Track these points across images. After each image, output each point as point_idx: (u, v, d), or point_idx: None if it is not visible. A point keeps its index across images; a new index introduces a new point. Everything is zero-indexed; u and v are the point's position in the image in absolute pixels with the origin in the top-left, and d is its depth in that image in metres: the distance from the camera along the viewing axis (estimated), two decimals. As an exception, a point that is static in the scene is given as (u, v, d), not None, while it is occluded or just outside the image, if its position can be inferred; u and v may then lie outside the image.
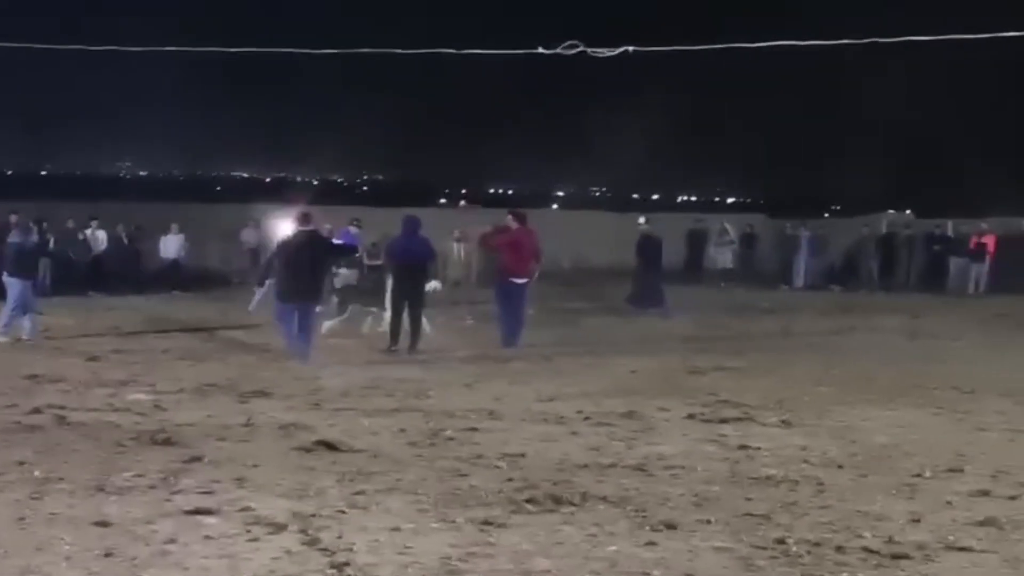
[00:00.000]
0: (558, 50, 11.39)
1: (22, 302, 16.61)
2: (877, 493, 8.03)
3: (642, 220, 24.01)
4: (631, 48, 11.53)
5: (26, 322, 16.70)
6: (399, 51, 13.79)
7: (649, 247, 22.37)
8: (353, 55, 13.89)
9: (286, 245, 15.44)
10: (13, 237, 17.44)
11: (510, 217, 17.26)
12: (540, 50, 11.66)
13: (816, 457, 9.22)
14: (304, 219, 15.50)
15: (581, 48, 11.34)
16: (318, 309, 15.82)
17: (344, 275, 18.38)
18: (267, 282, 18.96)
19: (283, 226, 19.76)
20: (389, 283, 16.61)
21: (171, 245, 26.09)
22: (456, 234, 23.26)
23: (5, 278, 16.88)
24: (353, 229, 19.87)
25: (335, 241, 18.11)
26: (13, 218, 23.68)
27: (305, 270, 14.98)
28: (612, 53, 11.48)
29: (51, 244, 21.85)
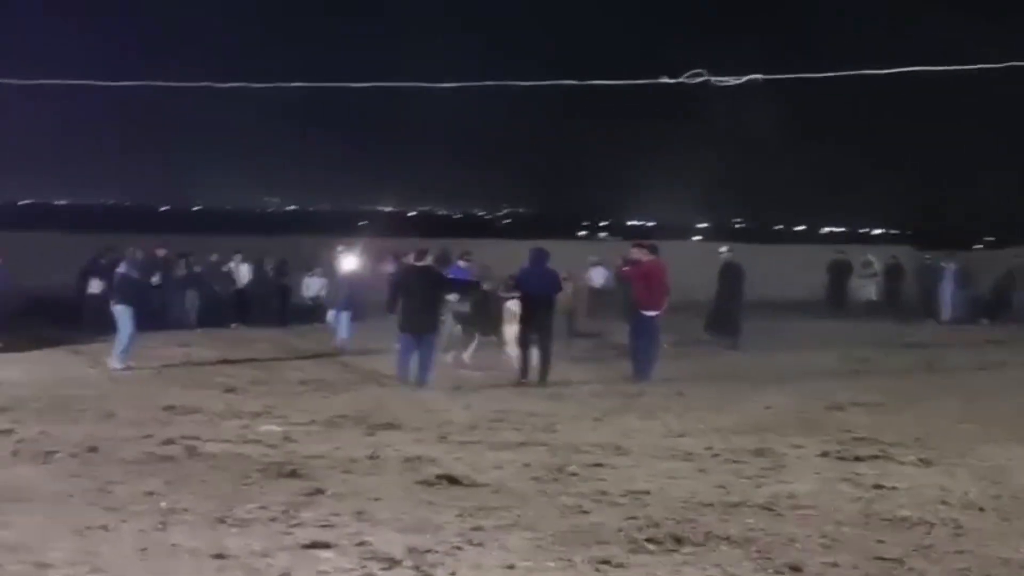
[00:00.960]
0: (682, 79, 11.19)
1: (132, 328, 17.24)
2: (1021, 539, 7.64)
3: (723, 249, 23.71)
4: (759, 76, 11.27)
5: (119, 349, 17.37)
6: (524, 83, 13.77)
7: (730, 275, 22.08)
8: (482, 88, 13.90)
9: (404, 279, 16.26)
10: (121, 268, 17.98)
11: (637, 249, 17.08)
12: (664, 79, 11.49)
13: (956, 498, 8.83)
14: (420, 255, 16.35)
15: (706, 77, 11.12)
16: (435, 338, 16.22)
17: (456, 305, 18.44)
18: (331, 313, 20.41)
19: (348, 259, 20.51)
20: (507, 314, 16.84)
21: (314, 286, 26.42)
22: (564, 273, 23.22)
23: (113, 307, 17.46)
24: (462, 263, 19.85)
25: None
26: (162, 251, 24.45)
27: (421, 302, 15.58)
28: (738, 81, 11.23)
29: (156, 278, 22.33)
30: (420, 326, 15.49)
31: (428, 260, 16.31)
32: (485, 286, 18.11)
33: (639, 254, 16.92)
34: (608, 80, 13.09)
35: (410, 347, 15.55)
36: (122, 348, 17.21)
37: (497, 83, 14.12)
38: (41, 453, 10.16)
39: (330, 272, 22.14)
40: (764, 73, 11.27)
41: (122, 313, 17.28)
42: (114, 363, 17.03)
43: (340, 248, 21.62)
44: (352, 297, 20.57)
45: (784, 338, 22.37)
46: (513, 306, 17.26)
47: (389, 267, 21.67)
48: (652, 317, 16.38)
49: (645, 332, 16.44)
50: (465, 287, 17.85)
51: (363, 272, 21.25)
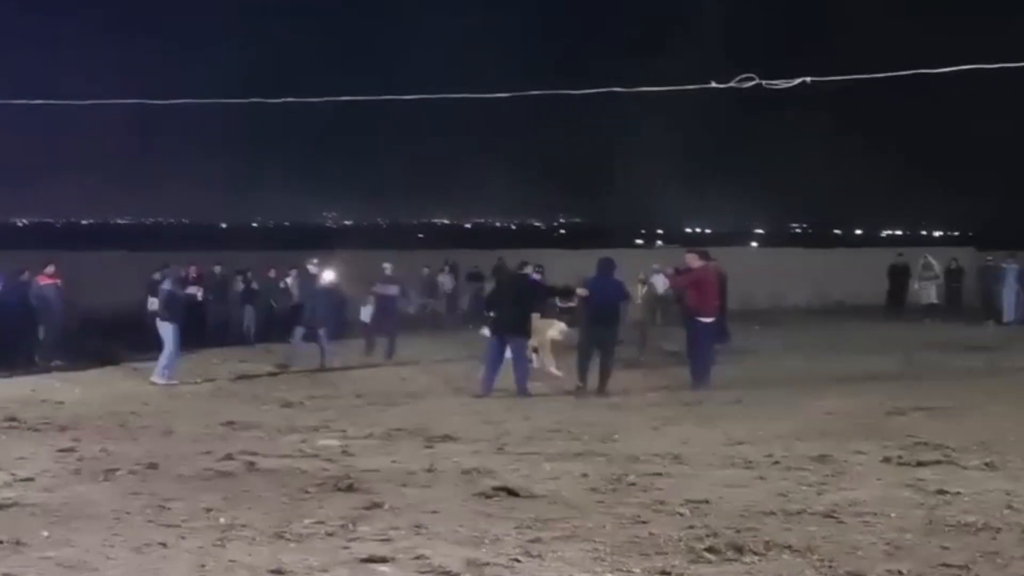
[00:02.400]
0: (732, 84, 11.05)
1: (175, 345, 17.48)
2: (1089, 543, 7.44)
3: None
4: (808, 79, 11.10)
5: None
6: (572, 92, 13.69)
7: None
8: (535, 98, 13.86)
9: (500, 285, 17.55)
10: (166, 285, 18.16)
11: (691, 256, 17.00)
12: (713, 84, 11.35)
13: (1022, 503, 8.62)
14: (521, 266, 17.91)
15: (756, 81, 10.97)
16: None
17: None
18: (297, 330, 19.86)
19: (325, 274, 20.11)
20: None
21: (367, 314, 26.48)
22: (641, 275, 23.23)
23: (159, 323, 17.60)
24: (536, 276, 19.95)
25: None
26: (217, 269, 24.64)
27: (512, 306, 16.11)
28: (789, 85, 11.06)
29: (199, 294, 22.29)
30: (508, 327, 15.91)
31: (528, 270, 16.70)
32: (581, 292, 18.09)
33: (691, 260, 16.86)
34: (657, 87, 12.97)
35: (497, 353, 15.85)
36: (165, 364, 17.32)
37: (547, 92, 14.08)
38: (102, 471, 10.21)
39: (306, 289, 21.12)
40: (815, 75, 11.10)
41: (166, 330, 17.41)
42: (157, 379, 17.14)
43: (314, 262, 20.87)
44: (327, 315, 20.13)
45: (844, 342, 22.18)
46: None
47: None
48: (707, 323, 16.28)
49: (700, 338, 16.33)
50: (550, 295, 18.33)
51: (339, 288, 21.14)
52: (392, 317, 21.68)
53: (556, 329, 17.96)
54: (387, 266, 22.14)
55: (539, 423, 13.12)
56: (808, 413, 13.59)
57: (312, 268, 20.58)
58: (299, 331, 19.85)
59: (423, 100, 16.02)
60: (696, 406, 14.38)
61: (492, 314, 16.80)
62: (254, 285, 24.88)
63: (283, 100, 16.23)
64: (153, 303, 21.72)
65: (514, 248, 36.04)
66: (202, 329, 22.54)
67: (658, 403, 14.77)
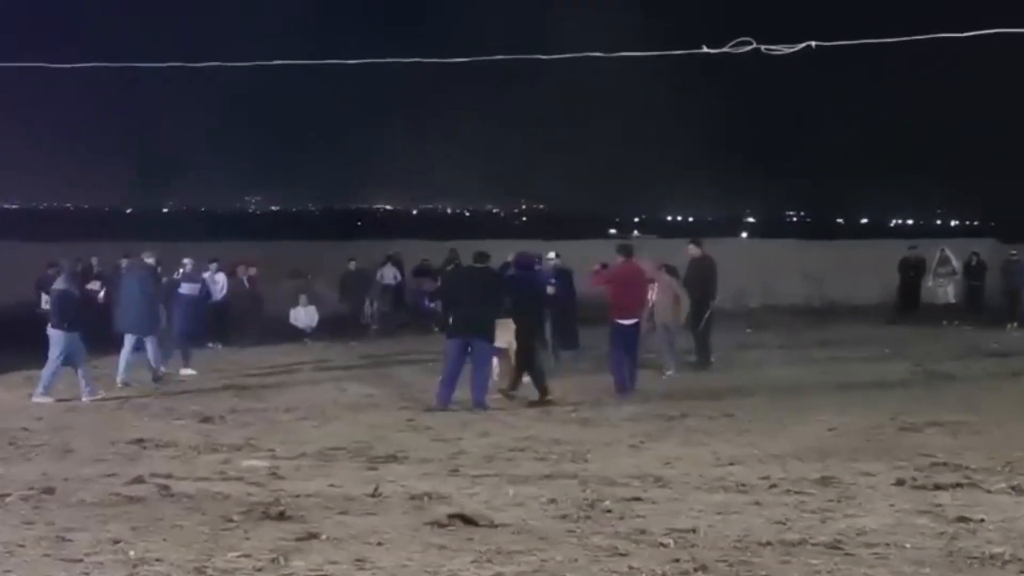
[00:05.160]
0: (726, 49, 11.05)
1: (67, 356, 16.95)
2: None
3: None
4: (813, 43, 11.12)
5: (81, 380, 17.05)
6: (543, 56, 13.70)
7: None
8: (497, 63, 13.88)
9: (456, 281, 17.40)
10: (59, 284, 17.54)
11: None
12: (705, 49, 11.36)
13: (1053, 531, 8.75)
14: (479, 257, 16.78)
15: (754, 46, 10.98)
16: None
17: None
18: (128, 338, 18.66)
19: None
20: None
21: (301, 317, 26.52)
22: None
23: (49, 330, 17.09)
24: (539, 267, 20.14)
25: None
26: (124, 262, 24.45)
27: (475, 304, 15.96)
28: (792, 50, 11.09)
29: (102, 294, 21.77)
30: (472, 329, 15.77)
31: (488, 263, 16.81)
32: (550, 291, 18.01)
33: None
34: (640, 52, 13.01)
35: (458, 358, 15.78)
36: (48, 378, 16.88)
37: (512, 56, 14.10)
38: (-11, 496, 10.15)
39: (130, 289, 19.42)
40: (820, 40, 11.12)
41: (58, 338, 16.85)
42: (39, 398, 16.74)
43: (150, 254, 20.17)
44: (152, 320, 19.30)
45: (849, 347, 22.33)
46: None
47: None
48: (629, 325, 16.69)
49: (622, 341, 16.68)
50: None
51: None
52: (194, 319, 21.11)
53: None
54: (187, 261, 21.85)
55: (499, 440, 13.14)
56: (808, 428, 13.70)
57: (150, 261, 19.71)
58: (130, 339, 18.76)
59: (366, 65, 15.90)
60: (680, 420, 14.45)
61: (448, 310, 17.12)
62: (164, 279, 24.66)
63: (205, 64, 16.05)
64: (47, 301, 21.40)
65: (468, 239, 35.95)
66: (107, 333, 22.32)
67: (636, 417, 14.81)
